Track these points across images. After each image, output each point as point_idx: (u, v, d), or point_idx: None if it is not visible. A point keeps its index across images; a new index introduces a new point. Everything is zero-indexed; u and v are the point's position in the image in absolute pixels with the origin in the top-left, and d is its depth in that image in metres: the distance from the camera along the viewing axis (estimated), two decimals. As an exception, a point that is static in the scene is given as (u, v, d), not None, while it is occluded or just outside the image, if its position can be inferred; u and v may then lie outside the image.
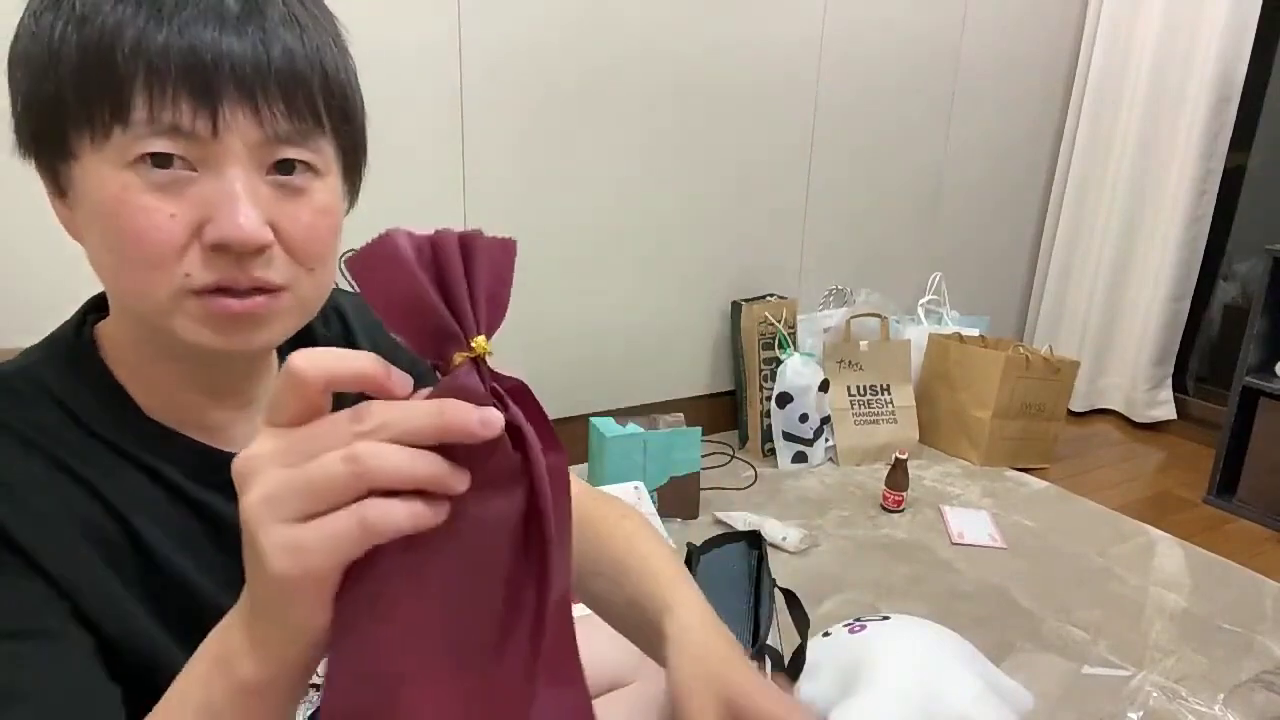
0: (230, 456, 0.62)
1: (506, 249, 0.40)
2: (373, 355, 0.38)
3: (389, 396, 0.38)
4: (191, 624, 0.59)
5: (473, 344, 0.37)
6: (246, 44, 0.51)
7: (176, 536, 0.59)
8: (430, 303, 0.37)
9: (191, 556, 0.59)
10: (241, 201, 0.52)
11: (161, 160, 0.51)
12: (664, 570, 0.69)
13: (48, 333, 0.63)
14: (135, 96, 0.50)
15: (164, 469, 0.59)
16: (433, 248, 0.38)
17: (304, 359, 0.37)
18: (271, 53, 0.51)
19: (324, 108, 0.55)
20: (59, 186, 0.55)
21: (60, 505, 0.54)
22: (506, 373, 0.40)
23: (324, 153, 0.56)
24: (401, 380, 0.38)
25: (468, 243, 0.39)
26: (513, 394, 0.39)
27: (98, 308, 0.63)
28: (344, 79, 0.57)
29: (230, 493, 0.62)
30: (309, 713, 0.71)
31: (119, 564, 0.56)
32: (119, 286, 0.56)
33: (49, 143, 0.53)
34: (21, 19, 0.53)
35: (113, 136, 0.50)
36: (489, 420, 0.36)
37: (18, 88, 0.54)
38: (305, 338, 0.69)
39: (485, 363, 0.38)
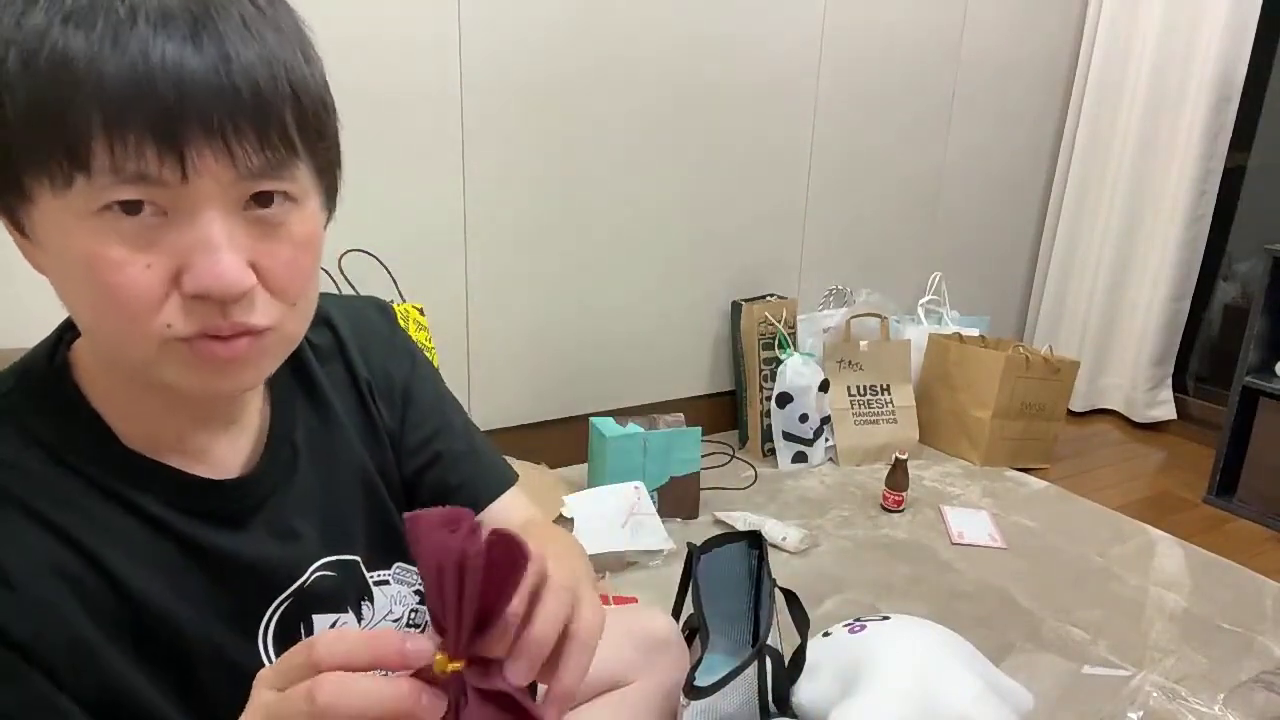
0: (212, 483, 0.60)
1: (513, 562, 0.44)
2: (394, 695, 0.42)
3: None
4: (179, 661, 0.58)
5: (448, 663, 0.44)
6: (208, 67, 0.46)
7: (158, 571, 0.57)
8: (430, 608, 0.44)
9: (175, 590, 0.58)
10: (220, 249, 0.49)
11: (130, 207, 0.48)
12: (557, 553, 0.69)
13: (38, 339, 0.61)
14: (94, 145, 0.46)
15: (144, 501, 0.57)
16: (439, 566, 0.43)
17: (332, 696, 0.41)
18: (236, 80, 0.47)
19: (297, 132, 0.51)
20: (17, 223, 0.51)
21: (31, 562, 0.52)
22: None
23: (300, 179, 0.53)
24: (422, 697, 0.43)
25: (466, 565, 0.43)
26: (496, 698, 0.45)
27: (75, 324, 0.60)
28: (315, 95, 0.53)
29: (214, 521, 0.60)
30: None
31: (98, 611, 0.54)
32: (98, 335, 0.54)
33: (4, 189, 0.49)
34: None
35: (75, 184, 0.47)
36: (418, 649, 0.43)
37: None
38: (296, 353, 0.67)
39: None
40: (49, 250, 0.51)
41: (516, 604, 0.45)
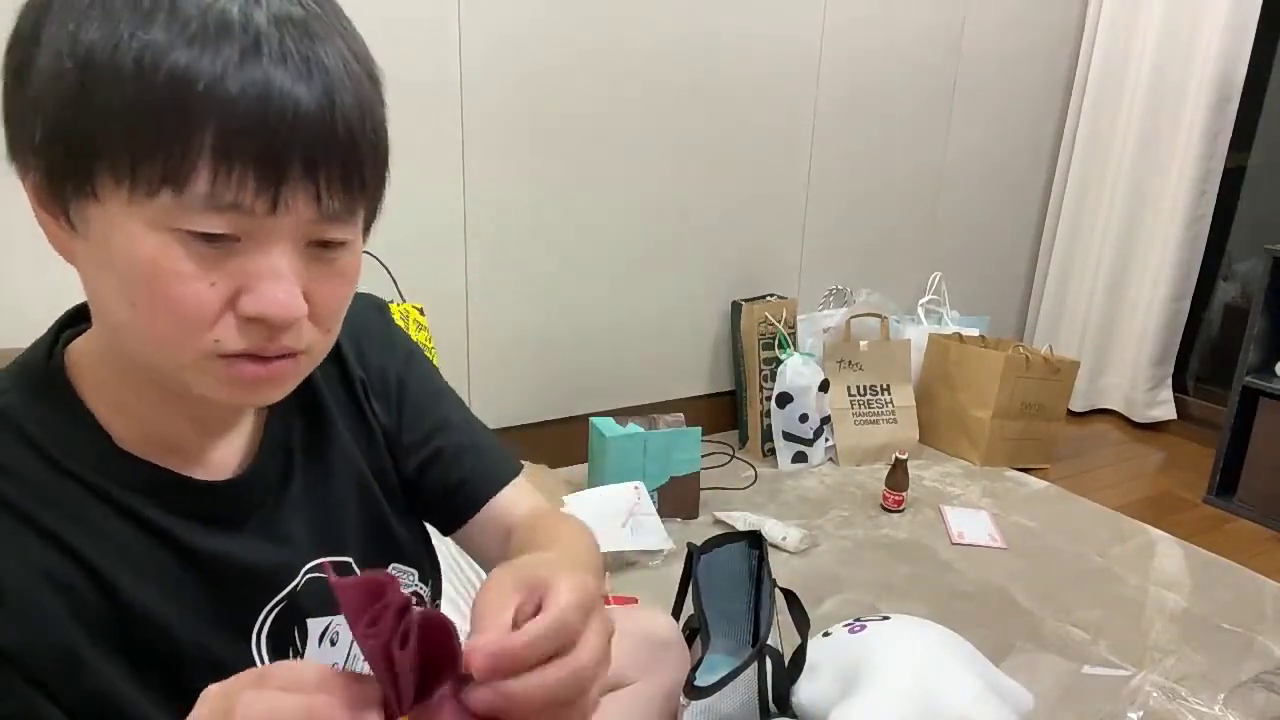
0: (206, 485, 0.60)
1: (445, 631, 0.43)
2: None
3: None
4: (172, 666, 0.57)
5: None
6: (317, 106, 0.48)
7: (151, 576, 0.57)
8: (376, 670, 0.42)
9: (168, 594, 0.57)
10: (286, 279, 0.51)
11: (212, 238, 0.49)
12: (561, 548, 0.66)
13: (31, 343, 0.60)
14: (200, 167, 0.46)
15: (138, 505, 0.57)
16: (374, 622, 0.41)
17: None
18: (337, 123, 0.49)
19: (370, 177, 0.53)
20: (64, 214, 0.50)
21: (22, 568, 0.52)
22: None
23: (357, 220, 0.55)
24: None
25: (408, 628, 0.41)
26: None
27: (72, 321, 0.60)
28: (387, 143, 0.55)
29: (208, 523, 0.60)
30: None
31: (89, 617, 0.54)
32: (131, 335, 0.53)
33: (67, 178, 0.49)
34: (40, 24, 0.47)
35: (159, 198, 0.47)
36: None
37: (35, 107, 0.48)
38: None
39: None
40: (99, 248, 0.50)
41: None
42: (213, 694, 0.43)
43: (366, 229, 0.59)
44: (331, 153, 0.49)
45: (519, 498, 0.78)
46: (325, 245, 0.53)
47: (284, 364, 0.54)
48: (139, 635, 0.56)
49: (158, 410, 0.58)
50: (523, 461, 0.83)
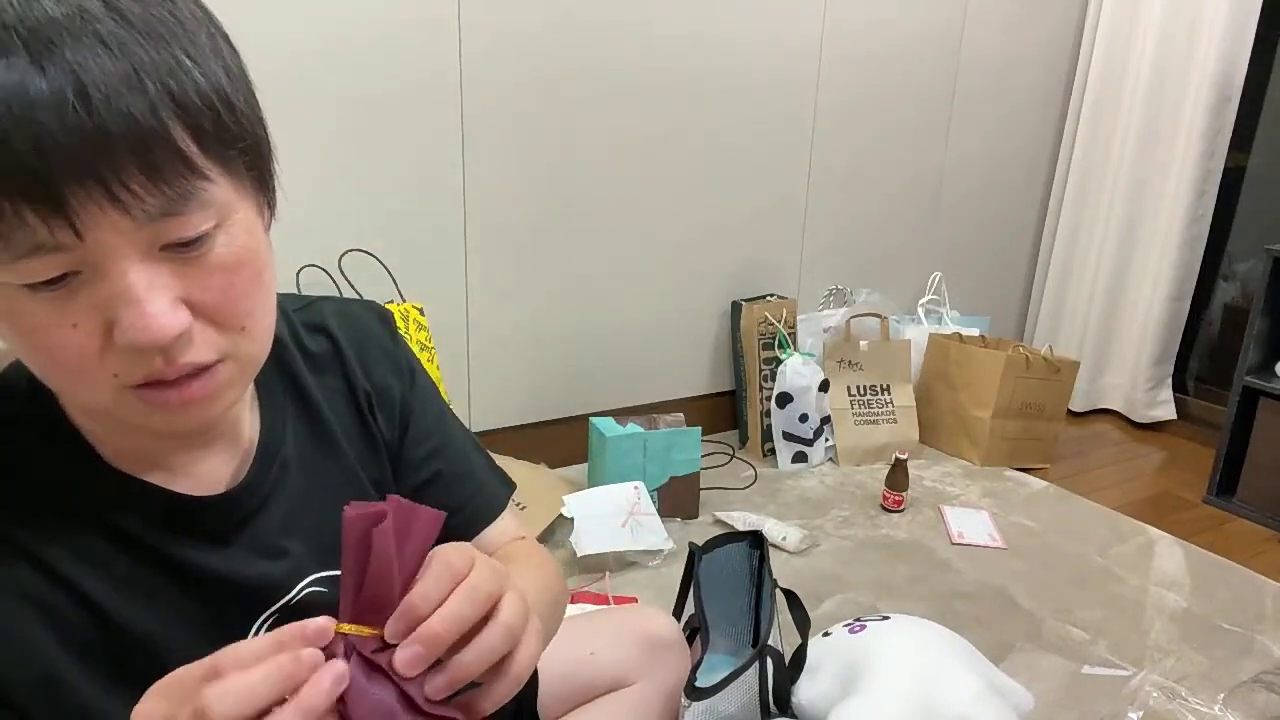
0: (195, 501, 0.59)
1: (417, 524, 0.48)
2: (274, 670, 0.42)
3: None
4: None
5: (339, 627, 0.45)
6: (63, 109, 0.41)
7: (139, 594, 0.56)
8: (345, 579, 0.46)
9: (156, 612, 0.56)
10: (141, 300, 0.45)
11: (48, 280, 0.44)
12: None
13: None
14: None
15: (125, 522, 0.55)
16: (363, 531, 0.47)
17: (218, 702, 0.40)
18: (102, 118, 0.41)
19: (197, 151, 0.46)
20: None
21: (4, 593, 0.51)
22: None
23: (214, 200, 0.47)
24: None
25: (345, 530, 0.47)
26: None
27: None
28: (208, 100, 0.46)
29: (197, 538, 0.59)
30: None
31: (75, 640, 0.53)
32: (50, 385, 0.51)
33: None
34: None
35: None
36: (320, 627, 0.44)
37: None
38: (288, 363, 0.66)
39: (350, 637, 0.46)
40: None
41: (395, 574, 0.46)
42: (155, 692, 0.43)
43: (261, 185, 0.52)
44: (108, 150, 0.42)
45: (507, 529, 0.79)
46: (184, 244, 0.47)
47: (200, 381, 0.50)
48: (128, 654, 0.55)
49: (130, 429, 0.56)
50: (523, 463, 0.83)
